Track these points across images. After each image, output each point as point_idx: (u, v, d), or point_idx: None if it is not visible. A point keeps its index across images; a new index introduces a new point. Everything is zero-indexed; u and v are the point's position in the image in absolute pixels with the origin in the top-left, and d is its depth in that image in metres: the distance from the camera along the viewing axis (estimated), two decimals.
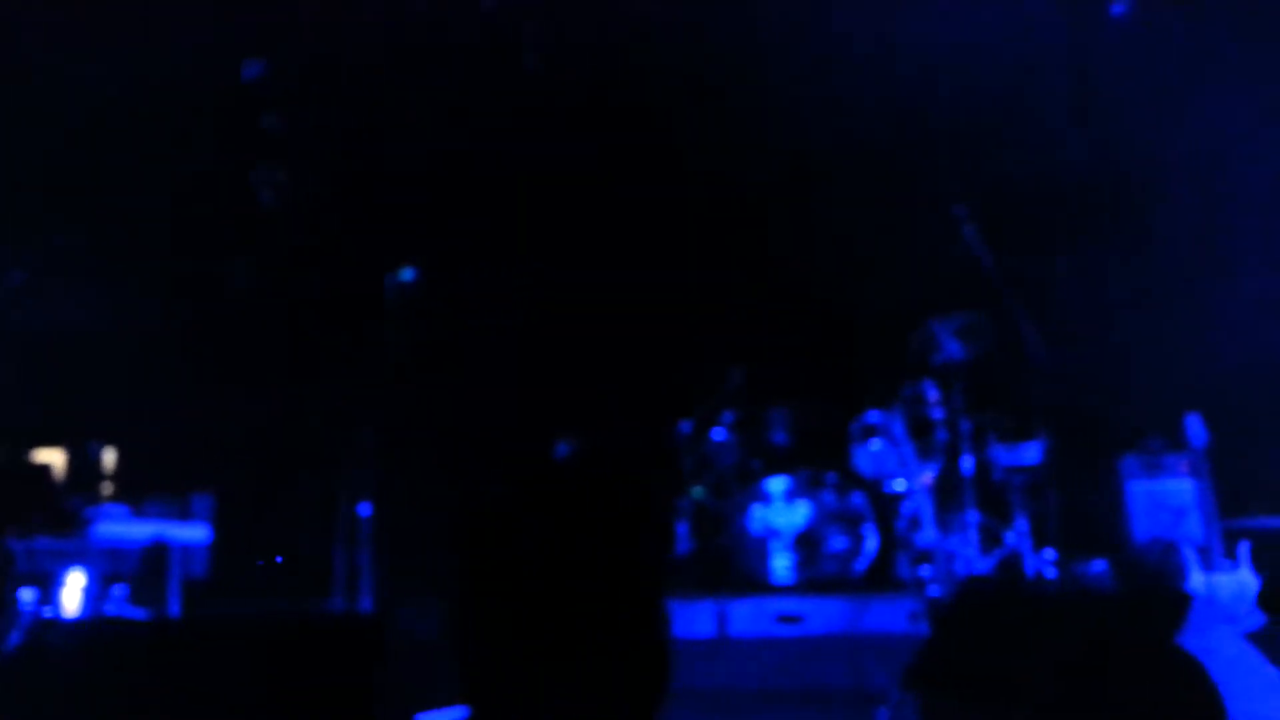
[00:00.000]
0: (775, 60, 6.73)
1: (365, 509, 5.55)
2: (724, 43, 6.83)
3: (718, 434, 6.88)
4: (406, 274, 5.79)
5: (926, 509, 5.96)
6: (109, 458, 6.32)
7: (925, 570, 5.82)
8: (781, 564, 6.32)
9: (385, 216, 6.55)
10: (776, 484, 6.52)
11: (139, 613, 5.50)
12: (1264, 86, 5.85)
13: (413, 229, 6.49)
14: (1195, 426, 5.58)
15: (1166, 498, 5.76)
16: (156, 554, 5.64)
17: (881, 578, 6.09)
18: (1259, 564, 5.30)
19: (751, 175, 7.10)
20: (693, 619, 5.75)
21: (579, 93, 7.01)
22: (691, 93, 6.95)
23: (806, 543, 6.33)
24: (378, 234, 6.47)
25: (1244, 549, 5.33)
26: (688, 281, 7.21)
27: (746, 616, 5.76)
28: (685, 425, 6.93)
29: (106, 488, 6.24)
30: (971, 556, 5.95)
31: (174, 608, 5.65)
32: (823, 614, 5.70)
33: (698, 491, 6.61)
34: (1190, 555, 5.42)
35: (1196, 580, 5.37)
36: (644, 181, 7.14)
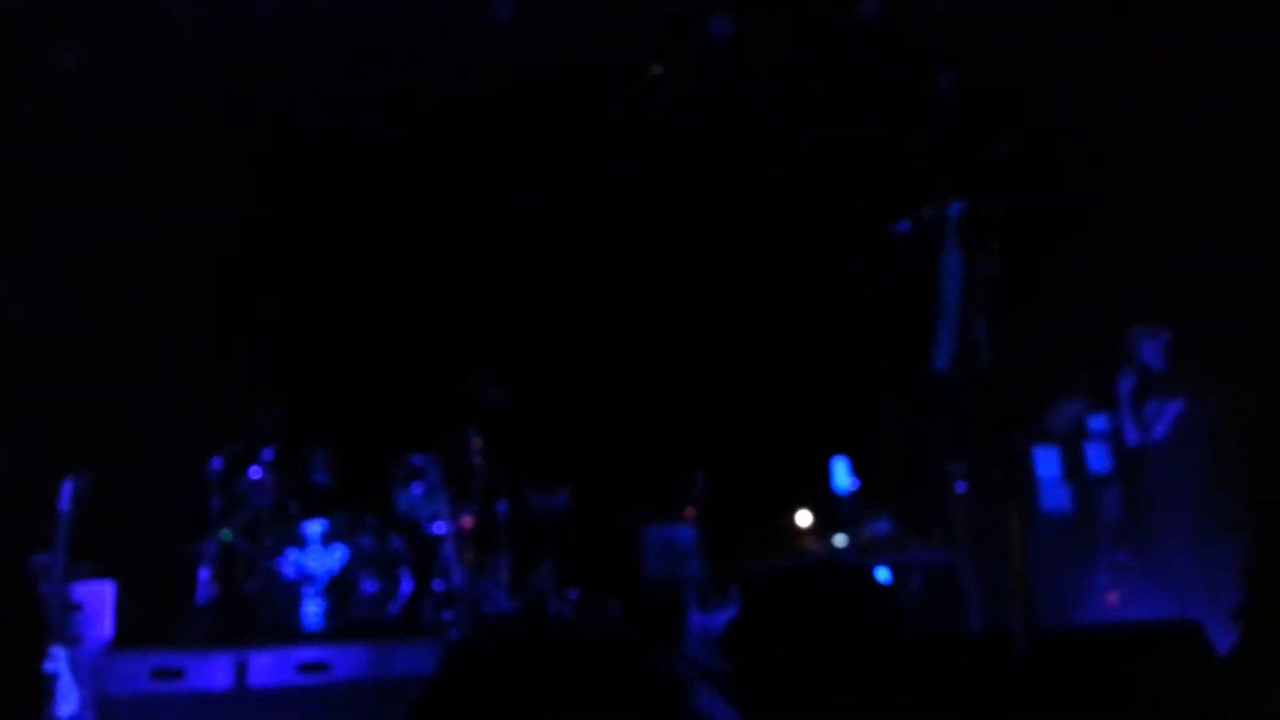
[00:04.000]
0: None
1: None
2: None
3: (254, 472, 6.58)
4: None
5: (458, 553, 6.12)
6: None
7: (449, 614, 5.96)
8: (313, 610, 6.16)
9: None
10: (314, 527, 6.37)
11: None
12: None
13: None
14: (700, 480, 6.24)
15: (673, 542, 6.36)
16: None
17: (412, 622, 6.13)
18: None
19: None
20: (209, 671, 5.44)
21: None
22: None
23: (340, 588, 6.23)
24: None
25: (735, 590, 6.00)
26: (227, 307, 6.82)
27: (269, 667, 5.54)
28: (217, 462, 6.53)
29: None
30: (499, 598, 6.17)
31: None
32: (350, 661, 5.63)
33: (226, 534, 6.27)
34: (690, 594, 6.02)
35: (695, 618, 5.97)
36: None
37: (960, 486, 4.59)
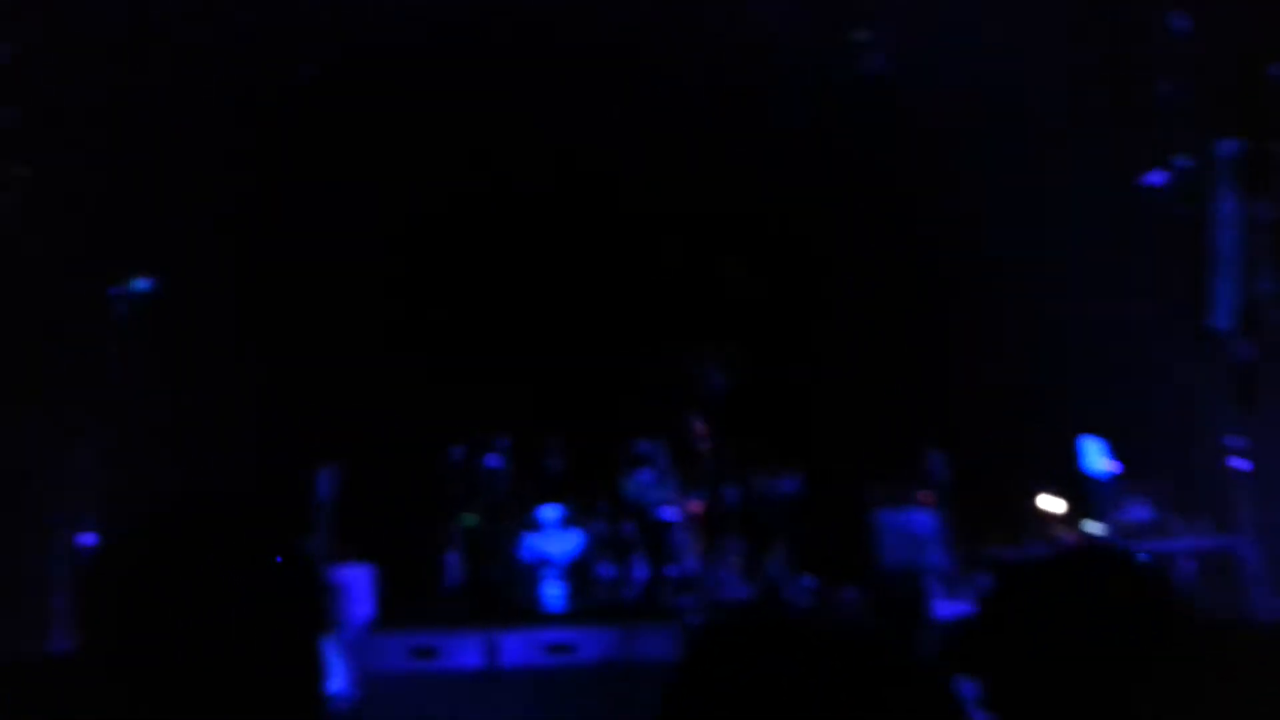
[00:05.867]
0: None
1: (88, 539, 5.13)
2: None
3: (491, 460, 6.83)
4: (140, 284, 5.42)
5: (689, 539, 6.16)
6: None
7: (686, 599, 6.01)
8: (553, 593, 6.34)
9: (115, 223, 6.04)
10: (549, 512, 6.55)
11: None
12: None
13: (147, 237, 6.03)
14: (936, 462, 6.04)
15: (911, 527, 6.18)
16: None
17: (650, 606, 6.21)
18: None
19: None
20: (462, 650, 5.68)
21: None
22: None
23: (578, 571, 6.38)
24: (105, 241, 5.95)
25: (979, 580, 5.79)
26: (459, 306, 7.09)
27: (517, 647, 5.74)
28: (457, 451, 6.82)
29: None
30: (733, 584, 6.17)
31: None
32: (594, 643, 5.76)
33: (469, 519, 6.53)
34: (933, 582, 5.84)
35: (940, 606, 5.79)
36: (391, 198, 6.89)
37: (1240, 463, 4.21)
